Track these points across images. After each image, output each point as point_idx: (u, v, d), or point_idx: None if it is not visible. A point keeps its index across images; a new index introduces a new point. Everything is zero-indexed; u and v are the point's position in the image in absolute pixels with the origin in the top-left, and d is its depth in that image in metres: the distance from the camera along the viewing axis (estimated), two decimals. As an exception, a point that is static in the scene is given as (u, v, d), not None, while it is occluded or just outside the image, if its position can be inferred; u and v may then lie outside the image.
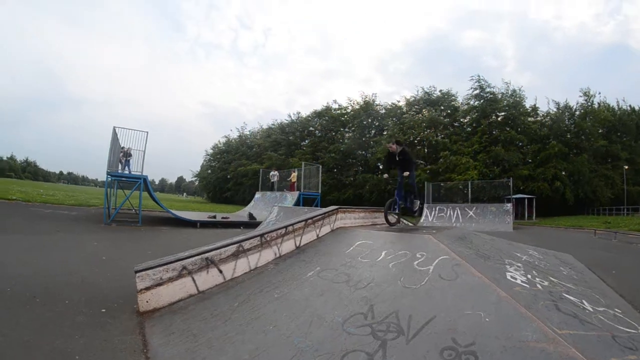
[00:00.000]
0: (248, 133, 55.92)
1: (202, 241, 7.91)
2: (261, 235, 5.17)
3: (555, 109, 34.17)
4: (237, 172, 46.36)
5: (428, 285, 3.55)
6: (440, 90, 37.58)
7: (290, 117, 49.21)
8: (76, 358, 3.29)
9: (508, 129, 32.02)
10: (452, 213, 20.76)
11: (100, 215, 15.13)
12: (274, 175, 23.74)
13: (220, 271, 4.64)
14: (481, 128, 32.57)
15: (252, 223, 15.61)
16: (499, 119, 33.61)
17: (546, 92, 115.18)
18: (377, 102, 41.80)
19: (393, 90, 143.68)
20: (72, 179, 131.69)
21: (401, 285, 3.63)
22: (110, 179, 15.00)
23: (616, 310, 4.03)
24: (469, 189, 22.80)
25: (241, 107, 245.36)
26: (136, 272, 4.28)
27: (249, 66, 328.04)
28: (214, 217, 17.48)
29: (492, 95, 33.86)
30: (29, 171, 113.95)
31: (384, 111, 40.76)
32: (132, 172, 15.26)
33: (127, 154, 15.35)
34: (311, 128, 45.66)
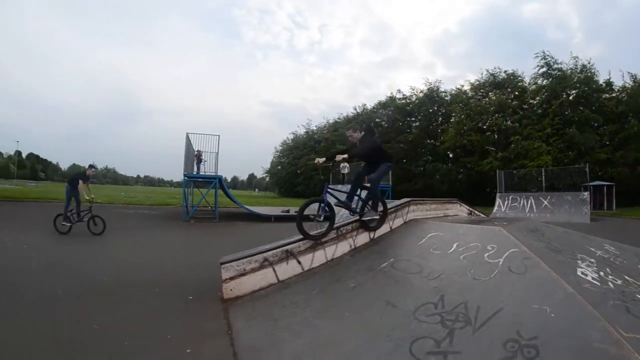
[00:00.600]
0: (315, 128, 56.78)
1: (277, 234, 8.11)
2: (337, 229, 5.51)
3: (631, 82, 29.65)
4: (306, 166, 46.71)
5: (497, 278, 3.61)
6: (505, 71, 34.95)
7: (355, 110, 49.56)
8: (168, 337, 3.78)
9: (581, 108, 28.89)
10: (525, 203, 19.52)
11: (179, 214, 16.68)
12: (345, 167, 24.12)
13: (299, 262, 5.07)
14: (552, 109, 29.54)
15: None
16: (570, 97, 30.27)
17: (620, 63, 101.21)
18: (441, 89, 40.33)
19: (456, 75, 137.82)
20: (148, 181, 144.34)
21: (471, 277, 3.74)
22: (187, 180, 16.09)
23: None
24: (543, 177, 21.19)
25: (304, 103, 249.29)
26: (221, 263, 4.78)
27: (308, 63, 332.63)
28: (288, 211, 18.02)
29: (560, 72, 30.77)
30: (109, 177, 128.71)
31: (449, 97, 39.19)
32: (206, 173, 16.48)
33: (200, 156, 16.60)
34: (377, 119, 45.10)
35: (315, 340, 3.43)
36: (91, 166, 10.70)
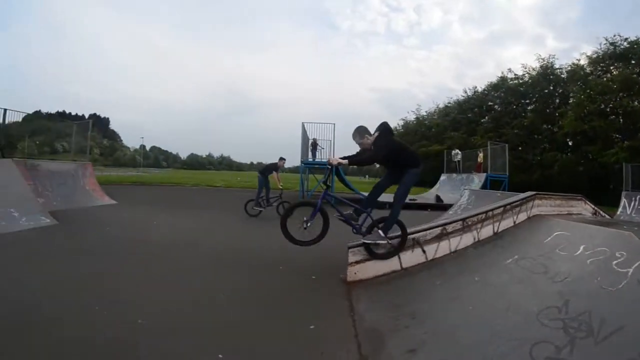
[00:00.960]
0: (424, 114, 55.63)
1: None
2: (463, 220, 5.84)
3: None
4: (418, 153, 45.46)
5: (625, 289, 3.41)
6: (627, 39, 28.18)
7: (465, 92, 47.11)
8: (293, 311, 4.25)
9: None
10: None
11: (294, 198, 17.68)
12: (457, 154, 23.66)
13: (424, 251, 5.51)
14: None
15: (439, 205, 16.15)
16: None
17: None
18: (555, 65, 35.62)
19: (569, 46, 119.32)
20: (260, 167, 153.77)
21: (597, 285, 3.62)
22: (303, 166, 17.28)
23: None
24: None
25: (410, 87, 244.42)
26: (349, 247, 5.21)
27: (410, 46, 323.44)
28: (414, 200, 17.52)
29: None
30: (224, 164, 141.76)
31: (564, 75, 34.31)
32: (322, 159, 17.45)
33: (315, 144, 17.65)
34: (490, 103, 42.61)
35: (438, 331, 3.59)
36: (282, 158, 12.55)
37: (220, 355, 3.14)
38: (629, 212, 16.27)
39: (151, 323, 3.71)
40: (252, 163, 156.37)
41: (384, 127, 5.16)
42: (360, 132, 5.06)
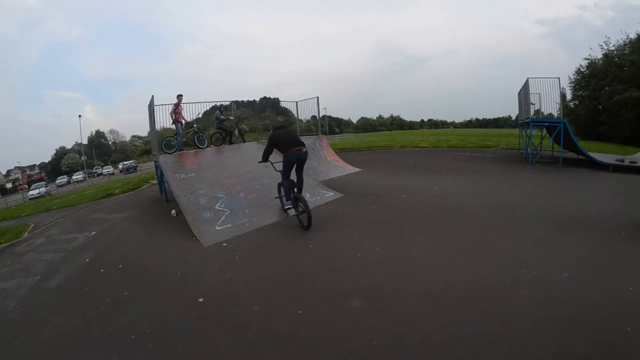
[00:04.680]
0: (613, 48, 45.52)
1: (623, 184, 9.93)
2: None
3: None
4: (611, 102, 39.00)
5: None
6: None
7: (669, 9, 38.29)
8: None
9: None
10: None
11: (511, 156, 18.76)
12: None
13: None
14: None
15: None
16: None
17: None
18: None
19: None
20: (432, 124, 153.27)
21: None
22: (524, 123, 17.80)
23: None
24: None
25: (583, 13, 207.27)
26: None
27: None
28: (622, 160, 16.14)
29: None
30: (395, 124, 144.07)
31: None
32: (547, 115, 18.05)
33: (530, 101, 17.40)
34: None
35: None
36: None
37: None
38: None
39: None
40: (422, 120, 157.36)
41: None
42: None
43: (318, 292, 4.56)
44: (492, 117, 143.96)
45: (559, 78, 16.85)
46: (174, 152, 11.95)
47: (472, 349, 3.29)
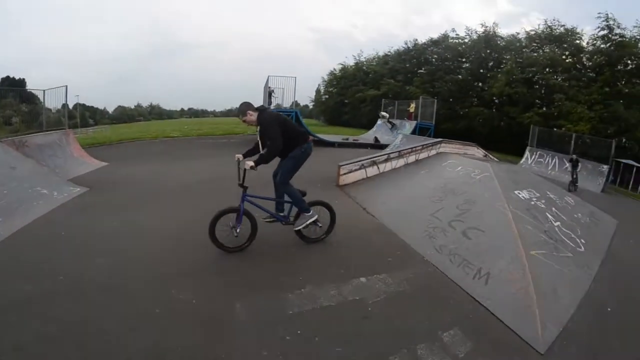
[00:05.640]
0: (364, 60, 59.33)
1: (343, 156, 11.56)
2: (399, 151, 10.34)
3: None
4: (354, 98, 51.57)
5: (476, 183, 7.46)
6: (564, 26, 35.78)
7: (406, 44, 51.57)
8: (323, 196, 6.49)
9: (637, 81, 28.75)
10: (550, 161, 22.05)
11: (252, 140, 20.86)
12: (384, 116, 28.58)
13: (378, 168, 9.77)
14: (604, 77, 30.05)
15: (377, 145, 21.11)
16: (627, 68, 29.98)
17: None
18: (497, 34, 41.89)
19: (520, 12, 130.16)
20: (192, 113, 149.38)
21: (462, 181, 7.74)
22: None
23: (582, 241, 6.27)
24: (572, 141, 23.09)
25: (352, 29, 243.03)
26: (340, 165, 9.54)
27: None
28: (347, 139, 23.61)
29: (621, 39, 29.81)
30: (154, 113, 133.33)
31: (503, 44, 40.82)
32: (283, 107, 21.57)
33: (272, 93, 21.41)
34: (428, 56, 47.40)
35: (384, 194, 8.26)
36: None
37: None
38: (529, 163, 22.82)
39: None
40: (182, 109, 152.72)
41: (266, 114, 5.13)
42: (242, 110, 5.08)
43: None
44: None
45: (295, 77, 20.78)
46: None
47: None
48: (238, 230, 5.00)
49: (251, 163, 4.71)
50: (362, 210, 7.54)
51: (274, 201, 5.61)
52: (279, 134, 4.88)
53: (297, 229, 5.43)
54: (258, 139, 5.29)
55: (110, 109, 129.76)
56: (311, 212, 5.40)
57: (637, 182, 24.27)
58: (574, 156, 17.36)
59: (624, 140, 27.31)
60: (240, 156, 5.16)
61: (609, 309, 4.61)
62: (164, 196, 8.76)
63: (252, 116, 5.05)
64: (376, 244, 5.86)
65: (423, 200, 7.30)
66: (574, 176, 16.51)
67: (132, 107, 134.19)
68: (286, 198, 5.47)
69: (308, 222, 5.36)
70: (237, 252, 5.17)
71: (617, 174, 25.02)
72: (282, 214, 5.52)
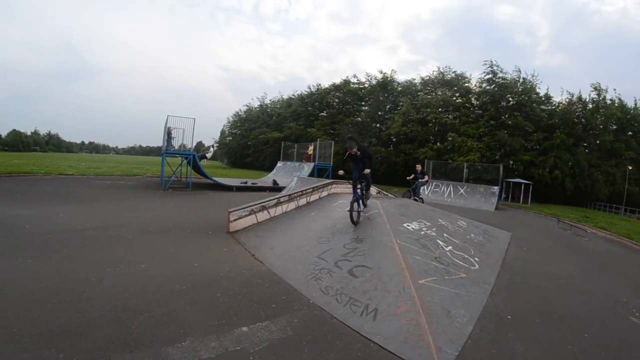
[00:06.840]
0: (269, 102, 61.32)
1: (242, 200, 11.64)
2: (289, 195, 10.03)
3: (568, 99, 36.47)
4: (258, 139, 52.14)
5: (362, 219, 7.88)
6: (455, 72, 42.02)
7: (310, 88, 54.07)
8: (211, 246, 7.55)
9: (517, 114, 35.07)
10: (445, 189, 24.35)
11: (153, 183, 20.53)
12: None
13: (269, 212, 9.41)
14: (489, 112, 36.05)
15: (275, 188, 21.10)
16: (509, 104, 36.71)
17: (576, 75, 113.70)
18: (395, 79, 46.17)
19: (419, 60, 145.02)
20: (93, 148, 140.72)
21: (348, 219, 7.66)
22: (165, 156, 19.95)
23: (476, 259, 7.02)
24: (465, 170, 26.46)
25: (261, 71, 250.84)
26: (229, 211, 8.97)
27: (271, 31, 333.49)
28: (246, 182, 23.13)
29: (503, 81, 36.96)
30: (52, 143, 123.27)
31: (400, 88, 45.20)
32: (180, 150, 20.71)
33: (170, 133, 20.44)
34: (330, 100, 50.30)
35: (279, 243, 7.65)
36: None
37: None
38: (426, 193, 23.76)
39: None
40: (83, 143, 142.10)
41: (360, 141, 8.29)
42: (355, 142, 7.83)
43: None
44: (155, 145, 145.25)
45: (194, 119, 20.27)
46: None
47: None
48: (361, 208, 8.10)
49: (368, 170, 7.81)
50: (251, 256, 7.25)
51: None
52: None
53: (366, 202, 8.49)
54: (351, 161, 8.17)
55: (4, 132, 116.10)
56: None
57: (526, 197, 29.93)
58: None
59: (511, 162, 32.84)
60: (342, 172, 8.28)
61: (508, 317, 5.06)
62: (45, 243, 7.60)
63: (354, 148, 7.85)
64: (261, 290, 5.62)
65: (311, 243, 7.25)
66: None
67: (29, 132, 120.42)
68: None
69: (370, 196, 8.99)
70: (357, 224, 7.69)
71: (508, 192, 29.44)
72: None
